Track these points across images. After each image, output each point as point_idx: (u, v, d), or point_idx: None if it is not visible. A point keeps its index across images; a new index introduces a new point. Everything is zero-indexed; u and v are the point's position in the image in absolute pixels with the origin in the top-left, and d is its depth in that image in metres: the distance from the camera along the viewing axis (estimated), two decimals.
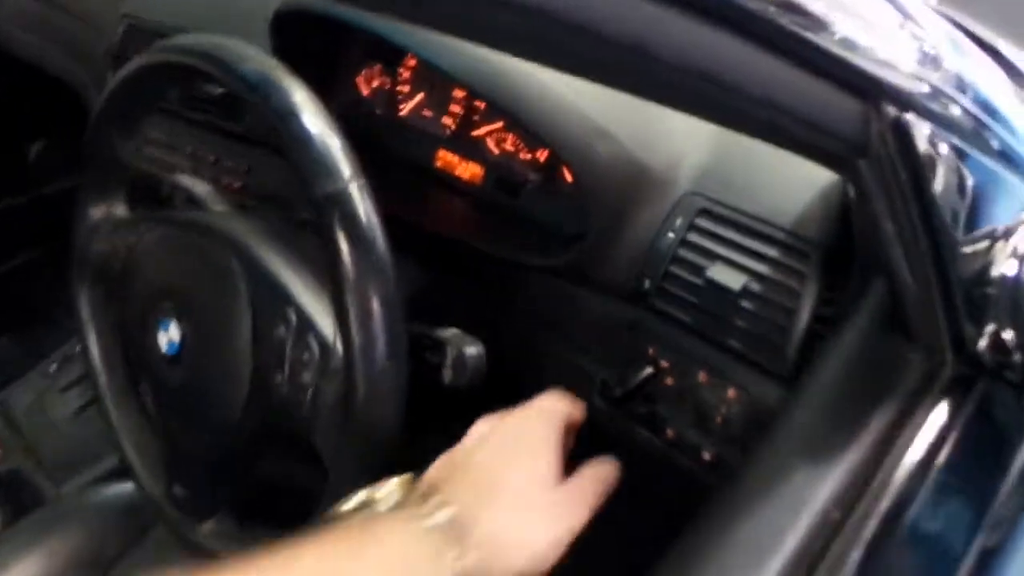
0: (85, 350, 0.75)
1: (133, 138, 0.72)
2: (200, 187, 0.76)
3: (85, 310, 0.75)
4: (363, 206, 0.53)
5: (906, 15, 0.43)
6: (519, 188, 0.76)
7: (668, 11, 0.35)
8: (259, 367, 0.58)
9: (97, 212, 0.74)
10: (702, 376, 0.63)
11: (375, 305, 0.52)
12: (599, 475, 0.50)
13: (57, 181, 1.31)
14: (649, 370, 0.65)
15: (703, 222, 0.63)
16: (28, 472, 1.03)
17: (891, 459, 0.45)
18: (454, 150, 0.81)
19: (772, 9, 0.37)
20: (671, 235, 0.64)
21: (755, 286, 0.60)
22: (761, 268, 0.60)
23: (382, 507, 0.44)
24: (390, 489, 0.45)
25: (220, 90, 0.87)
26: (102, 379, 0.74)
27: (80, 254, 0.75)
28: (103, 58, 1.01)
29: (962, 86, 0.44)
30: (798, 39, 0.37)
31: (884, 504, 0.43)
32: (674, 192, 0.65)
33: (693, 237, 0.63)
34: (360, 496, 0.45)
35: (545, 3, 0.35)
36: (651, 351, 0.66)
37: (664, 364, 0.66)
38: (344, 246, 0.52)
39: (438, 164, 0.81)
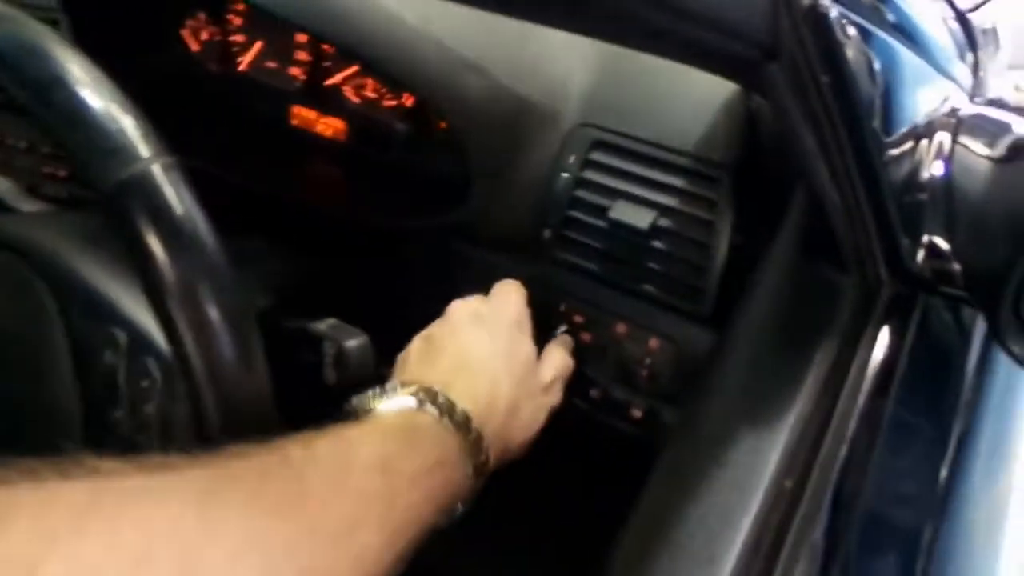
0: None
1: None
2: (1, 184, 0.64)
3: None
4: (172, 189, 0.42)
5: None
6: (388, 141, 0.67)
7: None
8: (90, 406, 0.48)
9: None
10: (621, 328, 0.57)
11: (208, 309, 0.42)
12: (561, 347, 0.55)
13: None
14: (562, 328, 0.58)
15: (599, 156, 0.56)
16: None
17: (841, 407, 0.40)
18: (308, 104, 0.70)
19: None
20: (565, 175, 0.56)
21: (664, 222, 0.53)
22: (668, 201, 0.53)
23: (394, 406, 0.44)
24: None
25: None
26: None
27: None
28: None
29: None
30: None
31: (839, 462, 0.38)
32: (562, 125, 0.57)
33: (590, 174, 0.56)
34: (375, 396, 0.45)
35: None
36: (562, 307, 0.59)
37: (578, 320, 0.59)
38: (153, 243, 0.41)
39: (293, 123, 0.71)
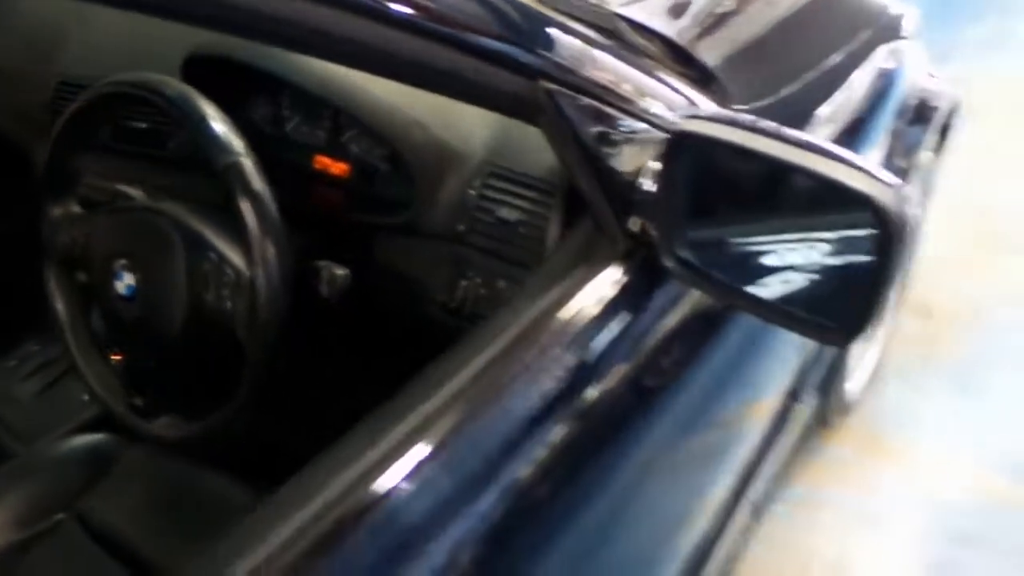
0: (54, 312, 1.00)
1: (85, 153, 0.99)
2: (135, 191, 1.04)
3: (53, 283, 1.00)
4: (255, 175, 0.82)
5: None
6: (374, 176, 1.06)
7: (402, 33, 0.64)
8: (193, 293, 0.86)
9: (57, 211, 1.00)
10: (501, 284, 0.94)
11: (268, 247, 0.81)
12: None
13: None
14: (464, 283, 0.95)
15: (492, 180, 0.94)
16: None
17: (581, 301, 0.73)
18: (328, 154, 1.10)
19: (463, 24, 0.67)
20: (472, 191, 0.95)
21: (524, 217, 0.91)
22: (527, 205, 0.91)
23: None
24: None
25: (145, 124, 1.14)
26: (68, 333, 1.00)
27: (47, 244, 1.00)
28: (39, 112, 1.26)
29: (587, 62, 0.73)
30: (477, 42, 0.67)
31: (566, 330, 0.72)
32: (470, 162, 0.96)
33: (486, 191, 0.94)
34: None
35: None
36: (469, 273, 0.96)
37: (478, 281, 0.96)
38: (244, 207, 0.81)
39: (316, 167, 1.10)
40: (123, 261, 0.91)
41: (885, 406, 1.88)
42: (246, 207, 0.80)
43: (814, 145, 0.61)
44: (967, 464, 1.74)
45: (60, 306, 1.00)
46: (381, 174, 1.05)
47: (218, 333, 0.85)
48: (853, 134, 1.16)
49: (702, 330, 0.85)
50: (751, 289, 0.68)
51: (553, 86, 0.70)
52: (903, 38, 1.46)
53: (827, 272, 0.64)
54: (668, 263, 0.73)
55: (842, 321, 0.62)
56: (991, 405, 1.87)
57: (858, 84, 1.22)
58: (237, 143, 0.82)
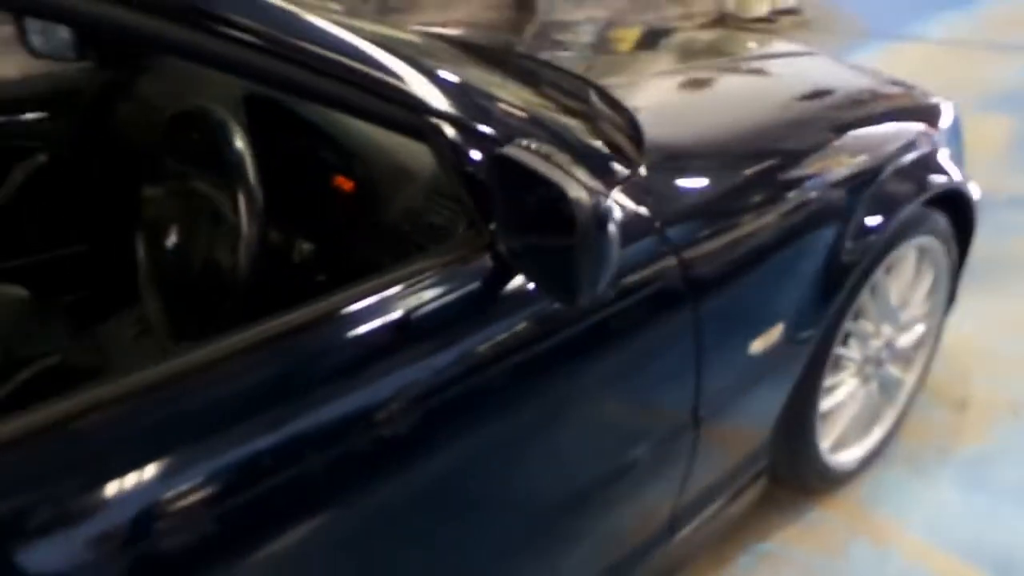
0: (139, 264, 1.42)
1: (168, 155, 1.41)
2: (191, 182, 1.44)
3: (140, 244, 1.42)
4: (251, 168, 1.18)
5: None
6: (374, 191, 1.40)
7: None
8: (208, 247, 1.23)
9: (148, 193, 1.42)
10: None
11: (253, 217, 1.16)
12: None
13: None
14: None
15: (433, 194, 1.25)
16: None
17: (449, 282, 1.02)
18: (344, 175, 1.46)
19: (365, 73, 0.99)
20: (422, 198, 1.25)
21: (444, 222, 1.20)
22: (448, 213, 1.20)
23: None
24: None
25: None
26: (144, 278, 1.40)
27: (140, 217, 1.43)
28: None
29: (465, 95, 1.03)
30: (383, 87, 0.99)
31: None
32: (420, 180, 1.26)
33: (433, 198, 1.24)
34: None
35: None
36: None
37: None
38: (240, 188, 1.17)
39: (336, 183, 1.46)
40: (175, 226, 1.30)
41: (885, 484, 1.93)
42: (242, 191, 1.16)
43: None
44: (950, 556, 1.76)
45: (141, 258, 1.41)
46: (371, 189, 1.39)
47: (216, 277, 1.21)
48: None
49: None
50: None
51: (436, 120, 1.00)
52: None
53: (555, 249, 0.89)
54: (501, 248, 1.00)
55: (565, 287, 0.87)
56: (995, 501, 1.87)
57: None
58: (244, 149, 1.18)
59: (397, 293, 0.94)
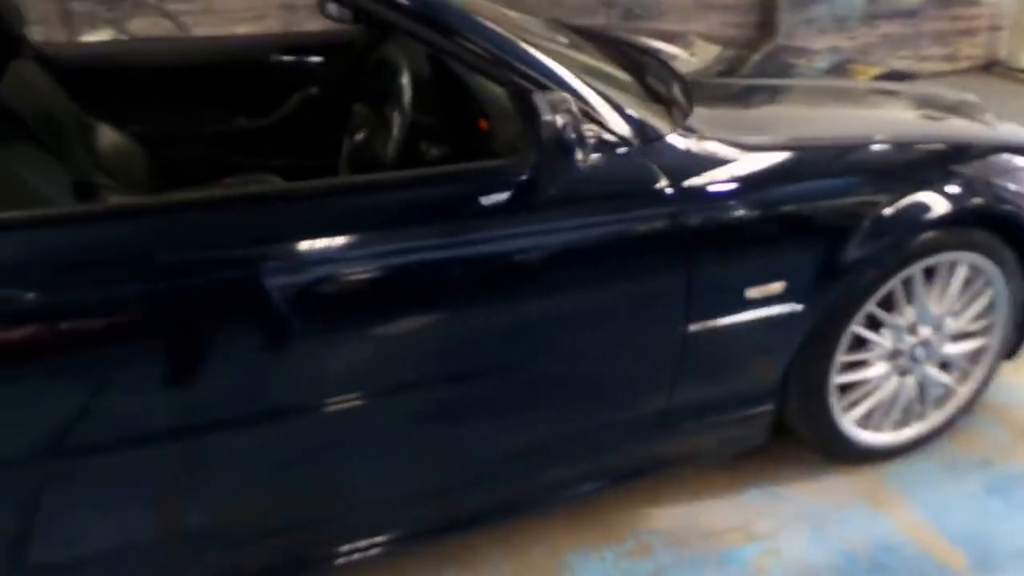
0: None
1: None
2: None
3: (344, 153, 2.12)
4: (407, 92, 1.81)
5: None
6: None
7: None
8: (372, 139, 1.89)
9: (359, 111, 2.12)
10: None
11: (401, 120, 1.80)
12: None
13: None
14: None
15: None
16: None
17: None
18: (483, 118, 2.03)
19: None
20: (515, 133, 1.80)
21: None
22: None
23: None
24: None
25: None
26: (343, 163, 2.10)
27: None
28: None
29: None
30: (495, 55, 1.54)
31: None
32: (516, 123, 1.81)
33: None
34: None
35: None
36: None
37: None
38: (397, 109, 1.81)
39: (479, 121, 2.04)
40: (363, 130, 1.98)
41: (912, 472, 2.12)
42: (398, 110, 1.79)
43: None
44: (940, 537, 1.94)
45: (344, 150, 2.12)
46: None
47: (374, 161, 1.85)
48: None
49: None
50: None
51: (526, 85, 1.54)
52: None
53: None
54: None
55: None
56: (1010, 509, 2.01)
57: None
58: (406, 85, 1.81)
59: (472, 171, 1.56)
